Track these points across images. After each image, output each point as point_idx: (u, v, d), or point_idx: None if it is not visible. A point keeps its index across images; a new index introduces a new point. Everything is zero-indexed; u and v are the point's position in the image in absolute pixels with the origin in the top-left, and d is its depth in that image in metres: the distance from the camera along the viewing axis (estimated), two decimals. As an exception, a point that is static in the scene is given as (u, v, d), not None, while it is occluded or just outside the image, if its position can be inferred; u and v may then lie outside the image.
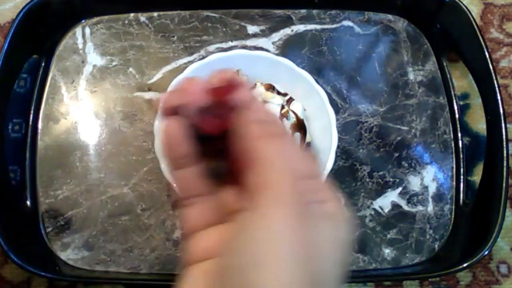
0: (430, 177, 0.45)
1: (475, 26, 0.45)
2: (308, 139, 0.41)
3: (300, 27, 0.50)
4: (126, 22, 0.50)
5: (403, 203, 0.44)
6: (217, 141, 0.24)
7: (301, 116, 0.40)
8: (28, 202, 0.44)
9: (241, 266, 0.19)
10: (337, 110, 0.46)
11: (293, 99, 0.41)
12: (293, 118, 0.40)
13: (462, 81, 0.49)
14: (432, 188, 0.45)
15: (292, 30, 0.50)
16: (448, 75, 0.48)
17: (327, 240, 0.21)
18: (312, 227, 0.20)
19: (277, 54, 0.45)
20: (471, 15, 0.46)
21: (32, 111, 0.46)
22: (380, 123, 0.47)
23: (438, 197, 0.45)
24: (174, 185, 0.39)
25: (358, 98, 0.47)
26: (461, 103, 0.48)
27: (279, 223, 0.19)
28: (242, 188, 0.22)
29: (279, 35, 0.49)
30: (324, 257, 0.20)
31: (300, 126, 0.40)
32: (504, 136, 0.42)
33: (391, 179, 0.45)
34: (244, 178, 0.21)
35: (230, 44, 0.49)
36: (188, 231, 0.24)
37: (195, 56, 0.48)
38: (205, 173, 0.24)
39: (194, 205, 0.24)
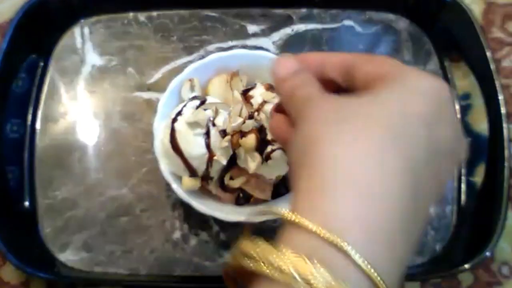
0: (431, 178, 0.45)
1: (477, 26, 0.45)
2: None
3: (300, 27, 0.49)
4: (125, 21, 0.49)
5: (404, 204, 0.44)
6: None
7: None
8: (27, 203, 0.44)
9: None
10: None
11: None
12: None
13: (464, 81, 0.48)
14: (434, 189, 0.45)
15: (292, 30, 0.49)
16: (450, 75, 0.48)
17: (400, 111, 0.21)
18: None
19: (277, 54, 0.45)
20: (473, 14, 0.46)
21: (30, 111, 0.46)
22: (381, 123, 0.46)
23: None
24: (174, 185, 0.39)
25: (359, 98, 0.47)
26: (463, 103, 0.48)
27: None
28: None
29: (279, 35, 0.49)
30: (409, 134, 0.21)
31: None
32: (506, 137, 0.42)
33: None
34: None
35: (230, 43, 0.49)
36: None
37: (194, 55, 0.48)
38: None
39: None
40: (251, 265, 0.19)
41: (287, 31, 0.49)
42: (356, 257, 0.18)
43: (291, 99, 0.25)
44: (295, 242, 0.19)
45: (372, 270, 0.18)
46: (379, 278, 0.18)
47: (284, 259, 0.18)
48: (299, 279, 0.18)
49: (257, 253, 0.19)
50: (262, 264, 0.19)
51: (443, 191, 0.24)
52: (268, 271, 0.18)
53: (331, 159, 0.20)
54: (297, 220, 0.19)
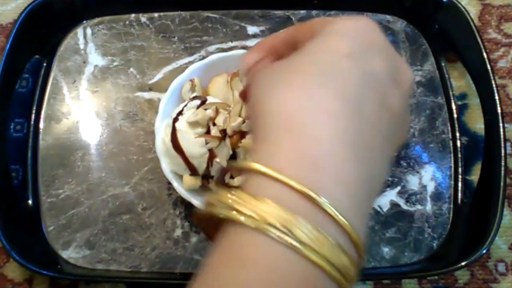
0: (428, 177, 0.45)
1: (473, 27, 0.46)
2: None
3: (299, 28, 0.50)
4: (127, 22, 0.50)
5: (401, 202, 0.44)
6: None
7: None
8: (30, 201, 0.44)
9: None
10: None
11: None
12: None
13: (460, 81, 0.49)
14: (431, 187, 0.45)
15: (291, 31, 0.50)
16: (447, 75, 0.49)
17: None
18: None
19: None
20: (469, 15, 0.46)
21: (34, 111, 0.47)
22: (379, 123, 0.47)
23: (437, 196, 0.45)
24: (175, 184, 0.39)
25: (357, 98, 0.47)
26: (459, 103, 0.48)
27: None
28: None
29: (278, 36, 0.49)
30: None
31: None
32: (502, 136, 0.43)
33: (389, 178, 0.45)
34: None
35: (230, 44, 0.49)
36: None
37: (195, 56, 0.49)
38: None
39: None
40: (225, 213, 0.20)
41: (286, 32, 0.50)
42: (327, 204, 0.19)
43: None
44: (266, 191, 0.19)
45: (339, 215, 0.19)
46: (346, 222, 0.19)
47: (265, 209, 0.19)
48: (282, 229, 0.18)
49: (235, 201, 0.20)
50: (236, 212, 0.19)
51: (401, 123, 0.23)
52: (244, 219, 0.19)
53: (267, 114, 0.21)
54: (263, 170, 0.20)
